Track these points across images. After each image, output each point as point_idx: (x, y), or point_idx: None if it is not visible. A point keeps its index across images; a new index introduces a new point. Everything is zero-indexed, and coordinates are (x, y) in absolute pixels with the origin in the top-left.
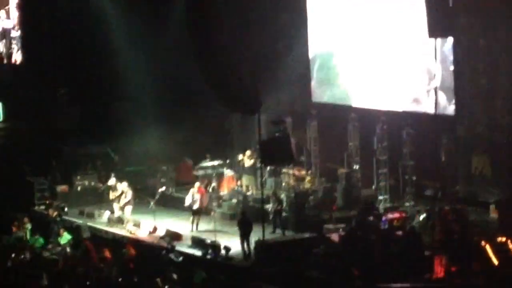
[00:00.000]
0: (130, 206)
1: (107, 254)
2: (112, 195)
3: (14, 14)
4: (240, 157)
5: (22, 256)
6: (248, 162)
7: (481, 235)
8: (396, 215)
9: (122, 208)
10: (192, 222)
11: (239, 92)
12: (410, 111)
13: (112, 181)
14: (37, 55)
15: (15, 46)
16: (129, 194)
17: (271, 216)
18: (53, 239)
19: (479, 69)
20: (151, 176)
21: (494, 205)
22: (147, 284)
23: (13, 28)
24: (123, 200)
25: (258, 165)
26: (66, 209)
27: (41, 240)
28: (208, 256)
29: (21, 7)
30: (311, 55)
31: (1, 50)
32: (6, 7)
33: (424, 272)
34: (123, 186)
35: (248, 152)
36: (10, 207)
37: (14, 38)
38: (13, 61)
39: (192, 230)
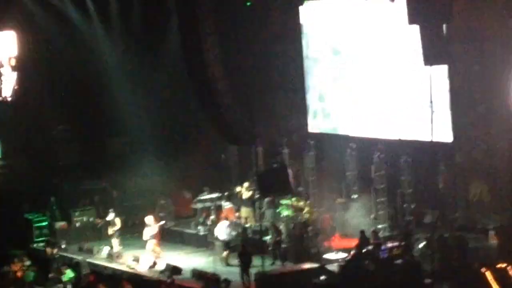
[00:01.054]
0: (154, 240)
1: None
2: (110, 230)
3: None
4: (238, 189)
5: None
6: (246, 194)
7: (481, 261)
8: (396, 243)
9: (146, 241)
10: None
11: (235, 124)
12: (406, 139)
13: (110, 216)
14: (34, 92)
15: (5, 83)
16: (154, 228)
17: (270, 248)
18: (53, 276)
19: (475, 96)
20: (150, 210)
21: (494, 231)
22: None
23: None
24: (148, 233)
25: (256, 196)
26: (63, 246)
27: (32, 274)
28: None
29: (18, 45)
30: (306, 85)
31: None
32: None
33: None
34: (149, 220)
35: (246, 184)
36: (9, 245)
37: (4, 75)
38: (3, 98)
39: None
